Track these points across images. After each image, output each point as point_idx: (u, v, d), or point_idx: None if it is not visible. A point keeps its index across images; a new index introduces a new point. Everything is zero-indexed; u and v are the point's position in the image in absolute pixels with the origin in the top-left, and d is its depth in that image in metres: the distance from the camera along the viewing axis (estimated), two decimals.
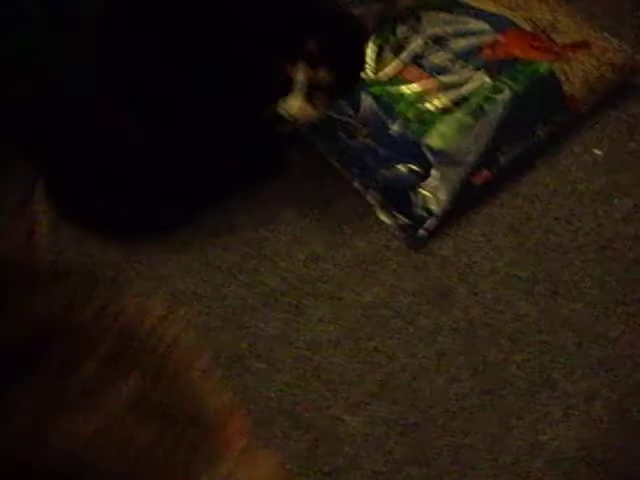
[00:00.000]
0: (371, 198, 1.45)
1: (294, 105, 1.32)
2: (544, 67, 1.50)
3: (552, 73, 1.50)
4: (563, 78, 1.51)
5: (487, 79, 1.47)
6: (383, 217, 1.44)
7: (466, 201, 1.42)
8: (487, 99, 1.46)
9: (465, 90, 1.47)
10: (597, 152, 1.53)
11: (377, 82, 1.51)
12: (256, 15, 1.31)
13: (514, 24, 1.55)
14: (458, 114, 1.45)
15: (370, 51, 1.53)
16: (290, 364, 1.29)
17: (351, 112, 1.50)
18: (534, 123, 1.48)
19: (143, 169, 1.36)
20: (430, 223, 1.40)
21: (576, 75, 1.52)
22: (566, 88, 1.51)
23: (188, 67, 1.32)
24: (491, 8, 1.58)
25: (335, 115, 1.49)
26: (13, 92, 1.39)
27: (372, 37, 1.55)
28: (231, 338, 1.31)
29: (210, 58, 1.32)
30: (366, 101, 1.50)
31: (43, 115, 1.39)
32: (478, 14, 1.56)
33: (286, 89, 1.32)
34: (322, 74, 1.31)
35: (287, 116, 1.33)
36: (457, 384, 1.27)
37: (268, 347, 1.30)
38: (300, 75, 1.30)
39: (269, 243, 1.42)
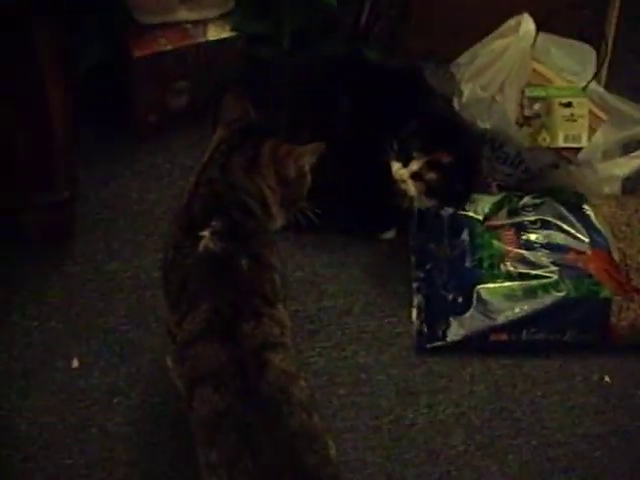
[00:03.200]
0: (416, 300, 1.80)
1: (400, 173, 1.63)
2: (605, 293, 1.74)
3: (608, 301, 1.75)
4: (616, 310, 1.76)
5: (555, 275, 1.75)
6: (413, 316, 1.78)
7: (474, 346, 1.74)
8: (545, 289, 1.74)
9: (534, 272, 1.76)
10: (607, 379, 1.77)
11: (481, 225, 1.84)
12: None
13: (608, 249, 1.81)
14: (516, 284, 1.75)
15: (492, 201, 1.87)
16: None
17: (451, 235, 1.84)
18: (569, 327, 1.74)
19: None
20: (438, 344, 1.74)
21: (629, 316, 1.76)
22: (613, 319, 1.76)
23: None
24: (602, 227, 1.84)
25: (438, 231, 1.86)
26: None
27: (502, 194, 1.89)
28: None
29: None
30: (464, 235, 1.83)
31: None
32: (588, 226, 1.82)
33: (405, 162, 1.63)
34: (431, 176, 1.63)
35: (393, 173, 1.64)
36: None
37: None
38: (417, 163, 1.62)
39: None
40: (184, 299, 1.21)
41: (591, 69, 1.88)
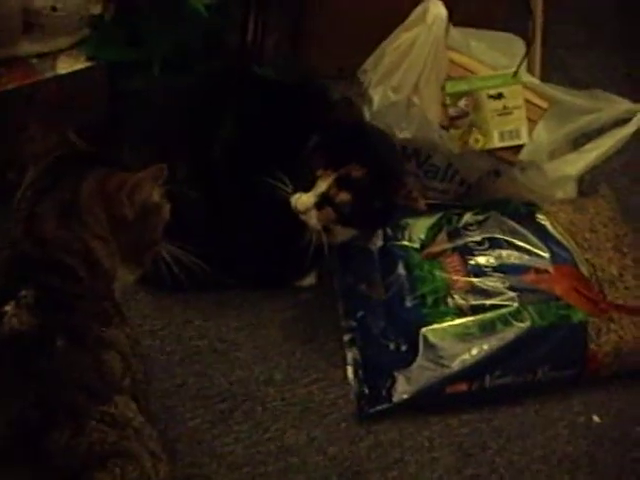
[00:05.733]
0: (350, 355, 1.48)
1: (301, 201, 1.32)
2: (578, 316, 1.46)
3: (583, 325, 1.46)
4: (594, 334, 1.47)
5: (515, 303, 1.45)
6: (349, 375, 1.46)
7: (428, 402, 1.41)
8: (505, 321, 1.44)
9: (489, 302, 1.46)
10: (596, 419, 1.47)
11: (419, 254, 1.54)
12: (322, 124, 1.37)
13: (574, 263, 1.52)
14: (469, 320, 1.45)
15: (427, 224, 1.57)
16: None
17: (384, 272, 1.54)
18: (540, 363, 1.44)
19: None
20: (384, 407, 1.40)
21: (610, 339, 1.47)
22: (592, 346, 1.46)
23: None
24: (563, 238, 1.56)
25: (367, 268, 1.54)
26: None
27: (439, 214, 1.60)
28: None
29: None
30: (400, 270, 1.53)
31: None
32: (546, 238, 1.54)
33: (307, 187, 1.32)
34: (343, 197, 1.31)
35: (292, 206, 1.33)
36: None
37: None
38: (323, 184, 1.31)
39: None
40: None
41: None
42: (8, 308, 0.90)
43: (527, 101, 1.50)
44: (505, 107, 1.50)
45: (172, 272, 1.14)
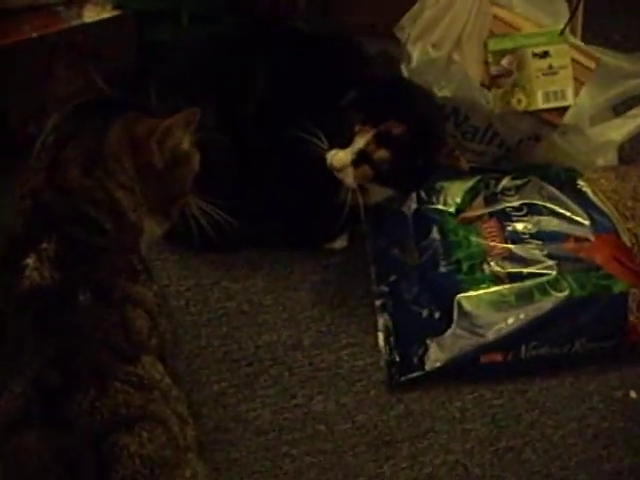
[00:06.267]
0: (382, 321, 1.43)
1: (338, 158, 1.26)
2: (619, 286, 1.40)
3: (624, 296, 1.40)
4: (634, 306, 1.41)
5: (553, 271, 1.40)
6: (380, 342, 1.41)
7: (461, 372, 1.37)
8: (543, 290, 1.39)
9: (527, 270, 1.41)
10: (633, 395, 1.42)
11: (454, 219, 1.49)
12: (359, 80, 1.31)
13: (615, 232, 1.47)
14: (506, 288, 1.39)
15: (464, 188, 1.52)
16: None
17: (417, 236, 1.49)
18: (578, 334, 1.39)
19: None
20: (416, 375, 1.35)
21: None
22: (632, 318, 1.41)
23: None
24: (604, 205, 1.50)
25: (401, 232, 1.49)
26: None
27: (476, 178, 1.54)
28: None
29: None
30: (434, 234, 1.48)
31: None
32: (587, 205, 1.49)
33: (344, 143, 1.27)
34: (381, 154, 1.25)
35: (327, 163, 1.28)
36: None
37: None
38: (361, 140, 1.25)
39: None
40: (2, 362, 0.82)
41: (563, 21, 1.53)
42: (29, 261, 0.85)
43: (574, 60, 1.43)
44: (551, 66, 1.42)
45: (200, 228, 1.09)
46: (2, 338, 0.83)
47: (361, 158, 1.25)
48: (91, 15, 1.47)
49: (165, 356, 0.87)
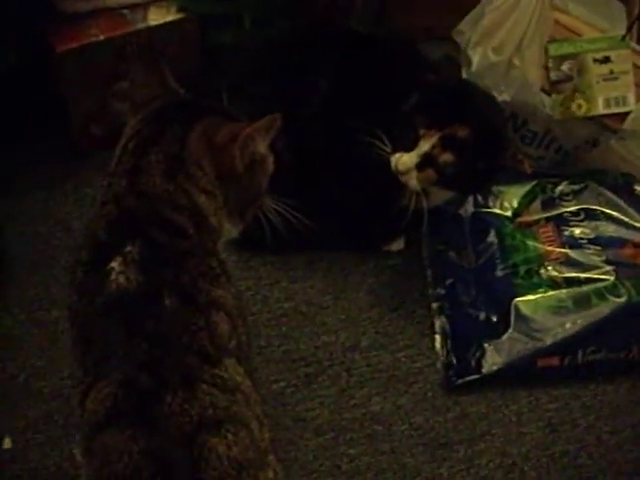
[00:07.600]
0: (438, 323, 1.44)
1: (403, 161, 1.27)
2: None
3: None
4: None
5: (611, 277, 1.40)
6: (437, 344, 1.42)
7: (518, 376, 1.37)
8: (600, 295, 1.39)
9: (584, 275, 1.41)
10: None
11: (511, 223, 1.49)
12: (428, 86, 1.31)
13: None
14: (563, 293, 1.40)
15: (521, 192, 1.52)
16: None
17: (474, 239, 1.50)
18: (635, 341, 1.39)
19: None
20: (472, 378, 1.36)
21: None
22: None
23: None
24: None
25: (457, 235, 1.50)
26: None
27: (533, 182, 1.54)
28: None
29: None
30: (491, 238, 1.48)
31: None
32: None
33: (409, 147, 1.28)
34: (446, 157, 1.26)
35: (392, 166, 1.29)
36: None
37: None
38: (426, 143, 1.26)
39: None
40: (90, 364, 0.85)
41: (622, 26, 1.53)
42: (114, 265, 0.87)
43: (635, 65, 1.43)
44: (612, 72, 1.42)
45: (272, 228, 1.11)
46: (89, 340, 0.86)
47: (425, 161, 1.26)
48: (156, 18, 1.49)
49: (242, 358, 0.89)
